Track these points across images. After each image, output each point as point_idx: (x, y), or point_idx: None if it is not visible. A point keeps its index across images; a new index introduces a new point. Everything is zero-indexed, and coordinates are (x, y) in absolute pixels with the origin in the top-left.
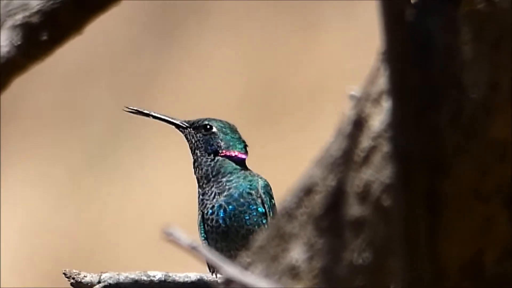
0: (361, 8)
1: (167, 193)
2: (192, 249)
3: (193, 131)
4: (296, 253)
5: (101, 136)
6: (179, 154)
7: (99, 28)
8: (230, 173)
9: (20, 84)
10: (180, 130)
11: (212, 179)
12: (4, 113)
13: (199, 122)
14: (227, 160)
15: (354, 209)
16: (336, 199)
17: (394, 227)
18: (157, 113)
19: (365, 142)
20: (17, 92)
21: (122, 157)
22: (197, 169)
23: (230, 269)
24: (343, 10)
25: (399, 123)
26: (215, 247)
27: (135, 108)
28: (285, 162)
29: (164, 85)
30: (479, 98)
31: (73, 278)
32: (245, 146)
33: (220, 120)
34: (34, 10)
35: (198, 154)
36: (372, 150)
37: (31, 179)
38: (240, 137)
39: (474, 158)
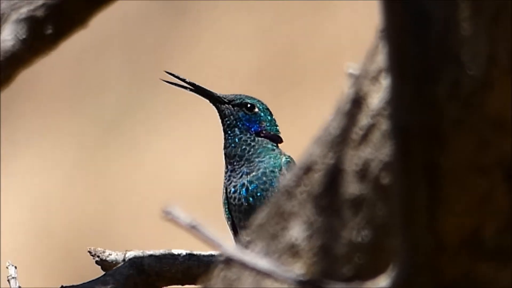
0: None
1: (180, 166)
2: (192, 228)
3: (232, 108)
4: (296, 232)
5: (114, 110)
6: (191, 127)
7: None
8: (266, 154)
9: None
10: (215, 105)
11: (245, 158)
12: (19, 88)
13: (240, 100)
14: (266, 141)
15: (353, 187)
16: (335, 178)
17: (393, 201)
18: (195, 83)
19: (364, 120)
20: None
21: (134, 131)
22: (232, 146)
23: (230, 248)
24: None
25: (397, 97)
26: (239, 226)
27: (173, 74)
28: (300, 131)
29: (177, 56)
30: (477, 72)
31: (98, 256)
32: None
33: (258, 100)
34: (39, 3)
35: (237, 132)
36: (371, 128)
37: (43, 153)
38: (275, 120)
39: (473, 131)
